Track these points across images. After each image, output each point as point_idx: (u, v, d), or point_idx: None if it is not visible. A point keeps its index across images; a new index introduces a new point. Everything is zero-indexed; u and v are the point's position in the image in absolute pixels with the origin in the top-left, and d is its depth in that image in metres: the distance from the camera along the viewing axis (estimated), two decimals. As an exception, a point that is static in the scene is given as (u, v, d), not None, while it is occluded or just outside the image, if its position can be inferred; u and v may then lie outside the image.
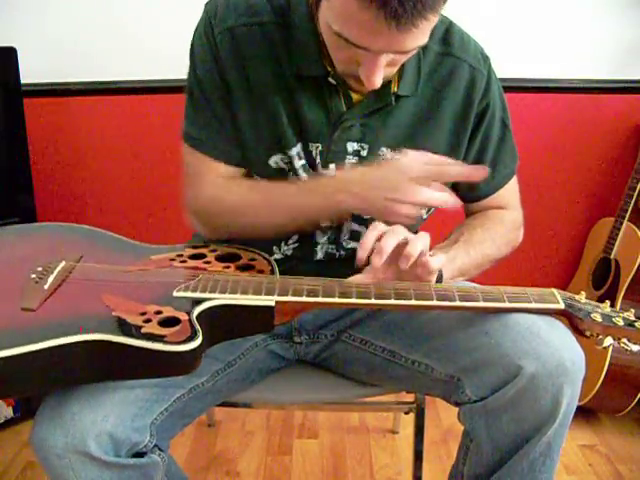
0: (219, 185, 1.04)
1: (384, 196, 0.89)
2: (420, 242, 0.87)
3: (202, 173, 1.05)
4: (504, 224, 1.12)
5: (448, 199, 0.90)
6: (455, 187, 1.11)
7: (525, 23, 1.77)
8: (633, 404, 1.74)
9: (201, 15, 1.02)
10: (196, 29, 1.03)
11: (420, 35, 0.81)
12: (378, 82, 0.87)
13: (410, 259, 0.86)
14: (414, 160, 0.90)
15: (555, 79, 1.82)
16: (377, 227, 0.88)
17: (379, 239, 0.87)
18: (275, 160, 1.03)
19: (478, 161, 1.09)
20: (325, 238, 1.07)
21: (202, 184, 1.05)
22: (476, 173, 0.91)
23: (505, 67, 1.73)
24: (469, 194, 1.13)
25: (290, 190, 1.00)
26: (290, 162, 1.02)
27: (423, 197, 0.88)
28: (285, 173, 1.03)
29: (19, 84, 1.56)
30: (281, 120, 1.00)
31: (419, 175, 0.88)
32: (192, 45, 1.03)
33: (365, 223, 1.06)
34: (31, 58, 1.59)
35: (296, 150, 1.01)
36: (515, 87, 1.78)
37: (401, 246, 0.87)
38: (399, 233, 0.87)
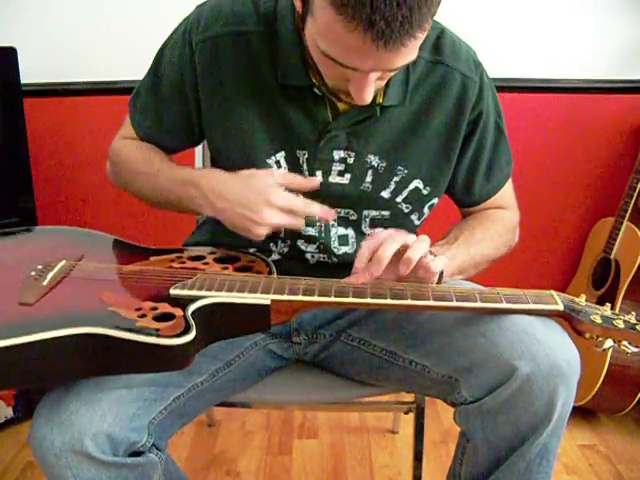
0: (127, 144, 1.11)
1: (239, 212, 0.90)
2: (420, 246, 0.87)
3: (125, 132, 1.13)
4: (503, 223, 1.12)
5: (300, 223, 0.92)
6: (451, 192, 1.12)
7: (525, 23, 1.77)
8: (633, 404, 1.74)
9: (187, 16, 1.03)
10: (178, 27, 1.04)
11: (409, 52, 0.80)
12: (368, 98, 0.87)
13: (410, 265, 0.86)
14: (272, 183, 0.90)
15: (555, 79, 1.82)
16: (374, 236, 0.89)
17: (376, 248, 0.87)
18: None
19: (473, 166, 1.09)
20: (314, 247, 1.07)
21: (120, 136, 1.14)
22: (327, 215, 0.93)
23: (505, 67, 1.74)
24: (466, 199, 1.13)
25: (171, 173, 1.02)
26: None
27: (275, 221, 0.89)
28: None
29: (19, 84, 1.56)
30: (258, 129, 1.01)
31: (276, 202, 0.89)
32: (169, 39, 1.05)
33: (351, 226, 1.07)
34: (31, 58, 1.59)
35: (276, 158, 1.02)
36: (514, 87, 1.78)
37: (401, 250, 0.87)
38: (397, 240, 0.87)
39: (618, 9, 1.75)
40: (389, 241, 0.87)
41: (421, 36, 0.79)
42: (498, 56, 1.69)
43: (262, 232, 0.90)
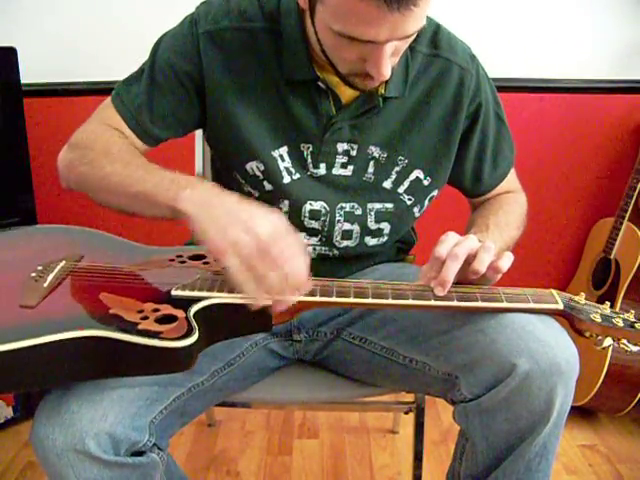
0: (108, 129, 1.02)
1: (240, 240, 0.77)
2: (486, 257, 0.88)
3: (105, 117, 1.05)
4: (519, 205, 1.16)
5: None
6: (461, 184, 1.15)
7: (525, 23, 1.77)
8: (633, 404, 1.74)
9: (192, 12, 1.04)
10: (182, 21, 1.05)
11: (420, 16, 0.82)
12: (388, 73, 0.88)
13: (478, 274, 0.87)
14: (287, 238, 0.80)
15: (555, 79, 1.82)
16: (445, 240, 0.89)
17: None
18: (251, 166, 1.05)
19: (479, 157, 1.12)
20: (316, 240, 1.09)
21: (97, 121, 1.05)
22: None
23: (505, 67, 1.74)
24: (476, 189, 1.17)
25: (155, 174, 0.94)
26: (266, 169, 1.04)
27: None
28: (257, 180, 1.05)
29: (19, 84, 1.56)
30: (262, 123, 1.02)
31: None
32: (172, 32, 1.05)
33: (357, 222, 1.08)
34: (31, 58, 1.59)
35: (280, 152, 1.03)
36: (514, 87, 1.78)
37: (470, 256, 0.88)
38: (466, 246, 0.88)
39: (618, 9, 1.76)
40: (465, 242, 0.89)
41: None
42: (499, 56, 1.69)
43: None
